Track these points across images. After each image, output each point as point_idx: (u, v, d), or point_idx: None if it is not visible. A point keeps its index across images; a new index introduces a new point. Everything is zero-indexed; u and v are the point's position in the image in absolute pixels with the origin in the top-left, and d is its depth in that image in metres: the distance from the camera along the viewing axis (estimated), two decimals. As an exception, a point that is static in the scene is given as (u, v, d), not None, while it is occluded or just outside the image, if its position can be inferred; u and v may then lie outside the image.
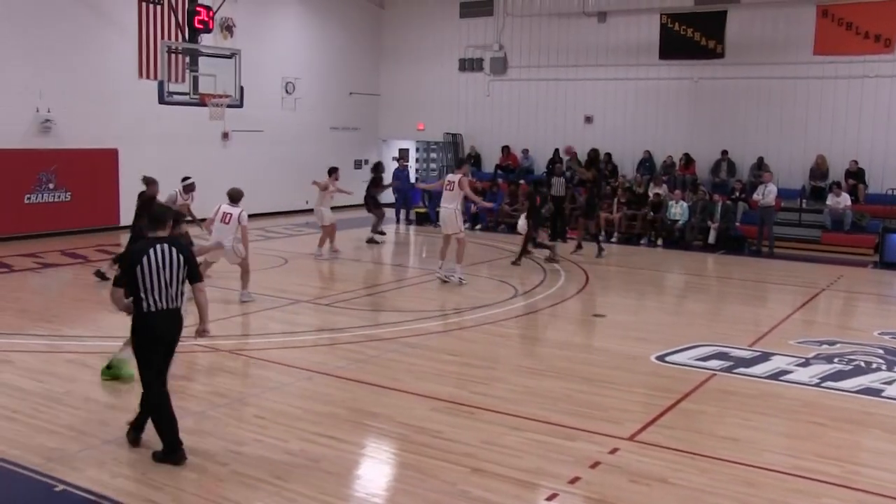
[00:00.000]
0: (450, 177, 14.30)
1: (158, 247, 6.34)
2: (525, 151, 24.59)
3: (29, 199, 18.35)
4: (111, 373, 8.31)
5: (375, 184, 19.21)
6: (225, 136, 22.55)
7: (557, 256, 16.54)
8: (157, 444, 6.49)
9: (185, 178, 14.38)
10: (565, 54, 24.29)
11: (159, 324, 6.33)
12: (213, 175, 20.48)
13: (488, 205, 18.35)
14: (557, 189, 19.36)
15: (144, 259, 6.27)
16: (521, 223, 16.05)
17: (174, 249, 6.36)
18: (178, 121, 20.71)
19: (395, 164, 24.05)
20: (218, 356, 9.37)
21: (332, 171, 17.04)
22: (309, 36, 25.37)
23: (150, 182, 12.66)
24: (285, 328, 10.85)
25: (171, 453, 6.37)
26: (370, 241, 18.58)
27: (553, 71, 24.55)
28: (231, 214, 11.99)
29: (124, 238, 18.86)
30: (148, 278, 6.26)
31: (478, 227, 22.18)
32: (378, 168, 19.59)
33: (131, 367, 7.65)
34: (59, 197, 18.83)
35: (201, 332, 6.76)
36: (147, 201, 11.94)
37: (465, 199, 14.18)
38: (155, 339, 6.35)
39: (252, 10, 23.15)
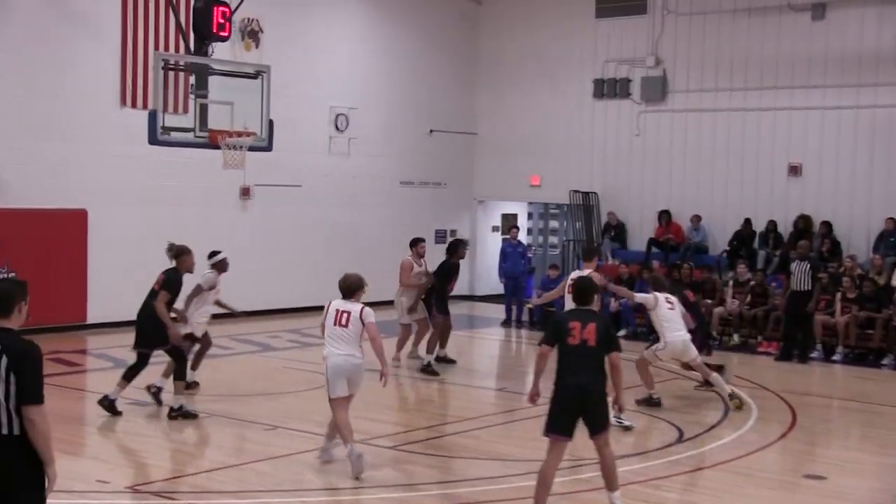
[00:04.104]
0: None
1: None
2: (695, 219, 24.50)
3: (-44, 281, 18.57)
4: None
5: (447, 274, 17.81)
6: (245, 192, 22.85)
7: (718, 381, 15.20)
8: None
9: (212, 254, 15.09)
10: (758, 70, 24.29)
11: None
12: (226, 249, 20.40)
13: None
14: (799, 279, 19.29)
15: None
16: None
17: None
18: (176, 169, 21.07)
19: (503, 238, 24.52)
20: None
21: (416, 244, 17.59)
22: (371, 47, 25.80)
23: (181, 252, 13.71)
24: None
25: None
26: (427, 368, 17.16)
27: (738, 96, 24.57)
28: None
29: (96, 342, 18.89)
30: None
31: (621, 332, 21.37)
32: (457, 248, 18.10)
33: None
34: (-2, 279, 19.04)
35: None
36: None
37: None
38: None
39: (288, 8, 23.57)
